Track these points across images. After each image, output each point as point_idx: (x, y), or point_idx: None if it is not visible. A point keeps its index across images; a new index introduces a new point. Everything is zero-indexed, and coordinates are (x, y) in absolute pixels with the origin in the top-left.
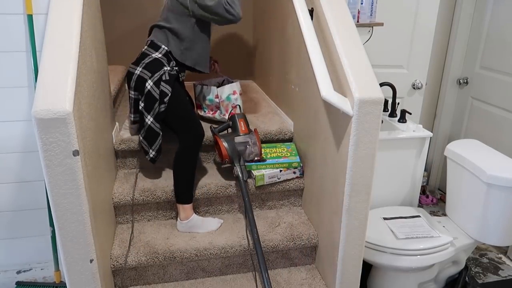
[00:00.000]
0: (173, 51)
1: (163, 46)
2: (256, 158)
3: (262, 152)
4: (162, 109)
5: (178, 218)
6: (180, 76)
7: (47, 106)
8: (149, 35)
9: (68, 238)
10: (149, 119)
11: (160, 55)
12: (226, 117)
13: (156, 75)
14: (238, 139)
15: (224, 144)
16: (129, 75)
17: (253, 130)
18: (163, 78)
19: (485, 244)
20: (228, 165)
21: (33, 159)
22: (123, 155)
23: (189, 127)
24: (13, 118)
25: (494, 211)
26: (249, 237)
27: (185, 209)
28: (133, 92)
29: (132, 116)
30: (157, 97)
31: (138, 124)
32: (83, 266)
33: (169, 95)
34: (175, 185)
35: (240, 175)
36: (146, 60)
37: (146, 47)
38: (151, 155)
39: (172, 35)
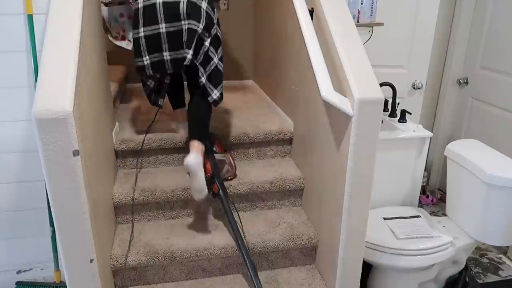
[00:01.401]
0: None
1: None
2: (230, 178)
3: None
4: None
5: (192, 153)
6: None
7: (47, 106)
8: None
9: (68, 238)
10: (216, 59)
11: None
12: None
13: None
14: (217, 156)
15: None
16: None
17: (227, 150)
18: None
19: (485, 244)
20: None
21: (33, 159)
22: (123, 155)
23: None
24: (13, 118)
25: (494, 211)
26: (246, 238)
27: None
28: (186, 22)
29: (190, 52)
30: (214, 21)
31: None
32: (83, 266)
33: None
34: (196, 125)
35: (221, 191)
36: None
37: None
38: (217, 95)
39: None
